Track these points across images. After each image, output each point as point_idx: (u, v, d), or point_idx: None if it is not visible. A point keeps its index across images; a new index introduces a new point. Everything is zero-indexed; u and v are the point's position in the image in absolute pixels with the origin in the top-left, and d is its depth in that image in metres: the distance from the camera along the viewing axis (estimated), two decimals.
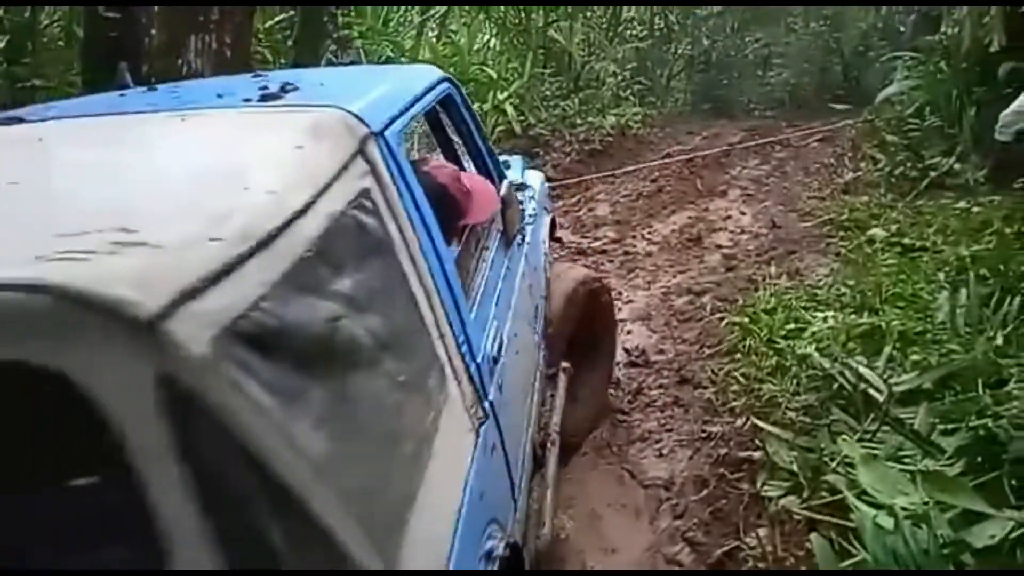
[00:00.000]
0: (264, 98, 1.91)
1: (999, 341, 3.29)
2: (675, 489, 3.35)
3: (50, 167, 1.57)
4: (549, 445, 2.80)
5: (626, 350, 4.51)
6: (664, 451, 3.63)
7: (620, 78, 11.52)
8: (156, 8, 4.86)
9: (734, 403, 3.70)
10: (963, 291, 3.80)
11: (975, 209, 5.33)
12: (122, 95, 2.30)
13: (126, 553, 1.01)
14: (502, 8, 10.71)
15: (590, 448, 3.71)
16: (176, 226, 1.11)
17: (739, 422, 3.56)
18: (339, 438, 1.23)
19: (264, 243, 1.16)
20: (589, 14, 11.83)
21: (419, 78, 2.45)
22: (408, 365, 1.58)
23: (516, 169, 3.78)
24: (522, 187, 3.47)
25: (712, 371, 4.12)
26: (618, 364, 4.33)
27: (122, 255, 1.01)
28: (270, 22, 8.18)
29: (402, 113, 2.01)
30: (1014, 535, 2.23)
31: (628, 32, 13.03)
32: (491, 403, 2.01)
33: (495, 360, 2.16)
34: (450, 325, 1.83)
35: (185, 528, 0.97)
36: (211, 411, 1.00)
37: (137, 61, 4.94)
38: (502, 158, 3.53)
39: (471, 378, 1.90)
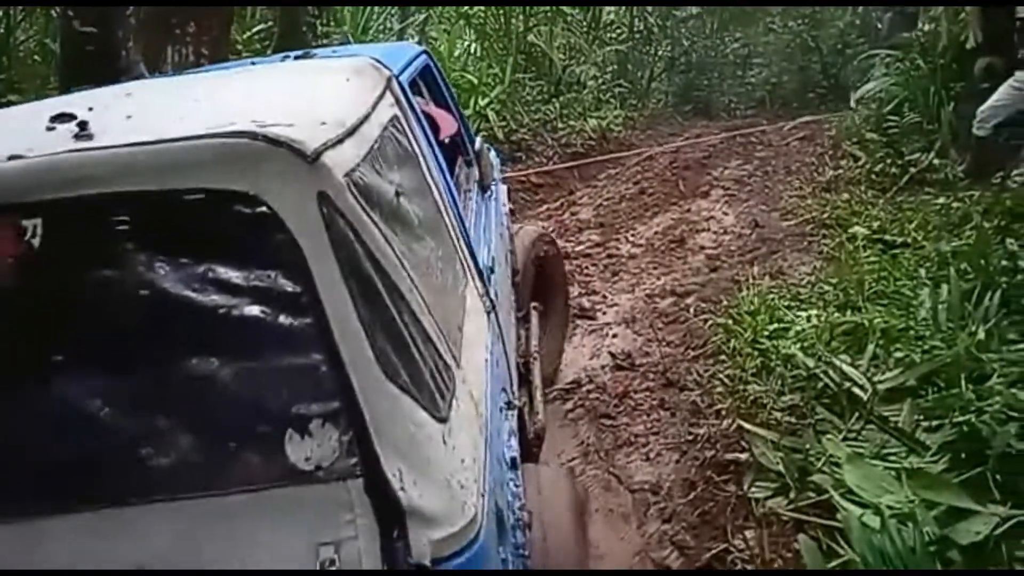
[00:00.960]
0: (297, 58, 2.53)
1: (981, 336, 3.31)
2: (662, 493, 3.34)
3: (178, 100, 2.01)
4: (532, 360, 3.36)
5: (611, 353, 4.51)
6: (651, 455, 3.62)
7: (601, 81, 11.56)
8: (132, 21, 4.83)
9: (720, 405, 3.71)
10: (944, 287, 3.83)
11: (955, 204, 5.36)
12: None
13: (300, 326, 1.37)
14: (482, 13, 10.72)
15: (577, 453, 3.71)
16: (291, 119, 1.46)
17: (725, 424, 3.56)
18: (417, 267, 1.66)
19: (351, 131, 1.59)
20: (569, 18, 11.86)
21: (405, 48, 3.04)
22: (439, 244, 2.01)
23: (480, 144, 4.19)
24: (489, 150, 3.88)
25: (697, 373, 4.12)
26: (604, 368, 4.34)
27: (270, 129, 1.38)
28: (248, 33, 8.15)
29: (406, 67, 2.52)
30: (999, 531, 2.24)
31: (608, 35, 13.07)
32: (494, 304, 2.43)
33: (491, 270, 2.64)
34: (461, 229, 2.29)
35: (342, 304, 1.36)
36: (347, 219, 1.41)
37: (114, 75, 4.90)
38: None
39: (480, 273, 2.37)
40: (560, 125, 9.66)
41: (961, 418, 2.77)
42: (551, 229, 6.76)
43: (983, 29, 6.11)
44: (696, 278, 5.50)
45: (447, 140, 2.89)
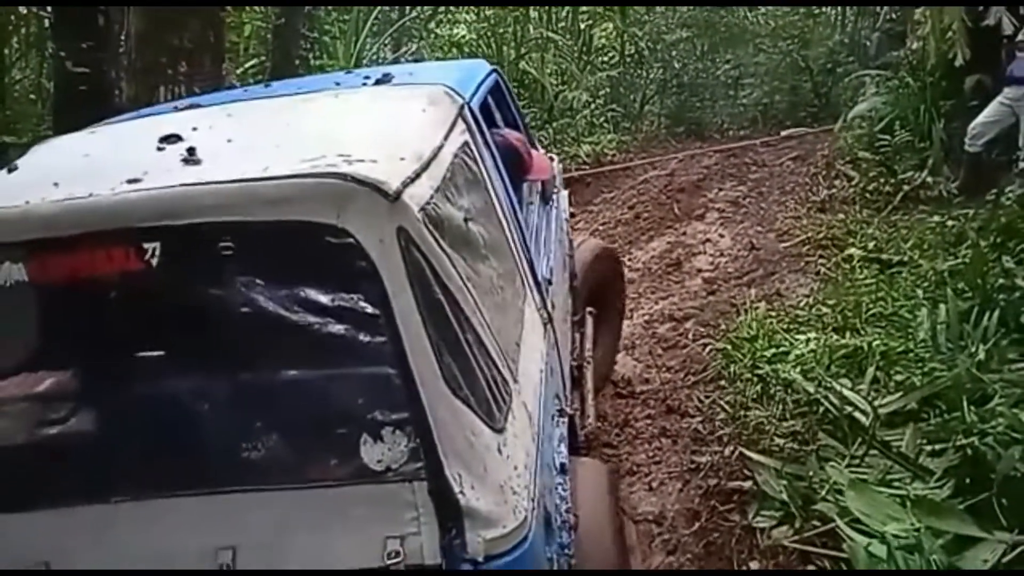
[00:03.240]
0: (377, 82, 2.63)
1: (981, 356, 3.31)
2: (667, 523, 3.31)
3: (272, 124, 2.21)
4: (585, 365, 3.46)
5: (612, 381, 4.49)
6: (654, 484, 3.59)
7: (594, 106, 11.61)
8: (125, 62, 4.86)
9: (721, 432, 3.69)
10: (942, 307, 3.82)
11: (949, 222, 5.37)
12: (246, 88, 3.10)
13: (377, 344, 1.54)
14: (474, 41, 10.81)
15: None
16: (374, 152, 1.65)
17: (727, 451, 3.54)
18: (480, 288, 1.83)
19: (426, 165, 1.76)
20: (560, 43, 11.95)
21: (477, 67, 3.13)
22: (501, 263, 2.16)
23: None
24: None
25: (698, 399, 4.10)
26: (603, 396, 4.31)
27: (356, 165, 1.57)
28: (241, 69, 8.20)
29: (477, 90, 2.66)
30: (1007, 558, 2.22)
31: (600, 59, 13.16)
32: (551, 316, 2.59)
33: (549, 282, 2.76)
34: (522, 246, 2.45)
35: (413, 325, 1.53)
36: (421, 250, 1.58)
37: (109, 114, 4.90)
38: None
39: (539, 287, 2.52)
40: (554, 151, 9.69)
41: (964, 441, 2.76)
42: None
43: (970, 47, 6.16)
44: (694, 302, 5.49)
45: (531, 177, 3.11)
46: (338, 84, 2.75)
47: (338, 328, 1.56)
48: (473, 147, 2.26)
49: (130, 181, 1.61)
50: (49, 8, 7.15)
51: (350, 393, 1.59)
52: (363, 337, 1.56)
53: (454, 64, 3.84)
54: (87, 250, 1.58)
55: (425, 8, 12.53)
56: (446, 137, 2.02)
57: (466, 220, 1.93)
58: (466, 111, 2.32)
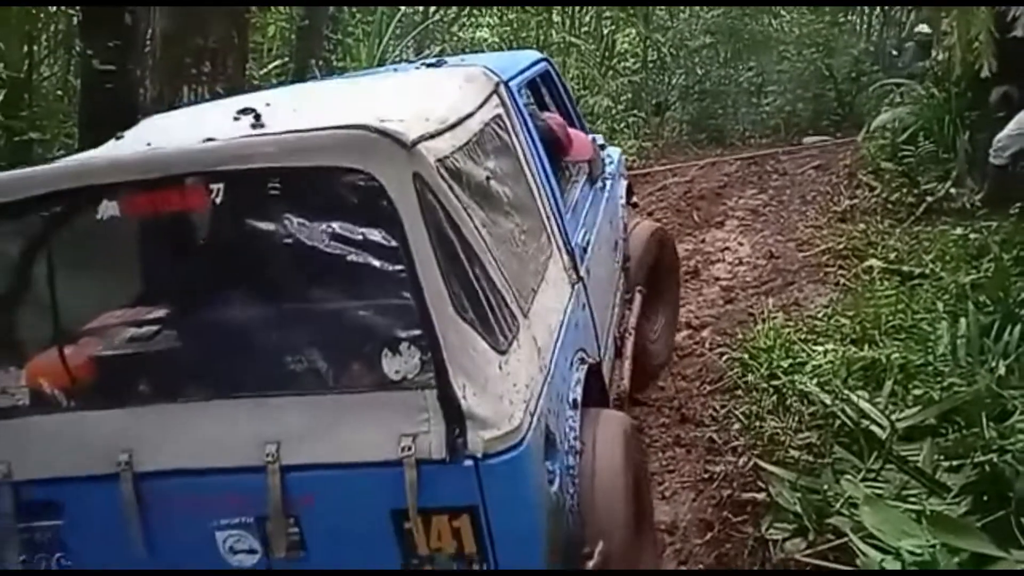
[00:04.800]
0: (430, 66, 3.23)
1: (1001, 372, 3.26)
2: (679, 533, 3.29)
3: (333, 98, 2.83)
4: (627, 335, 3.77)
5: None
6: (667, 493, 3.57)
7: (615, 112, 11.60)
8: (150, 61, 4.91)
9: (736, 442, 3.66)
10: (963, 321, 3.77)
11: (972, 235, 5.31)
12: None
13: (395, 272, 1.85)
14: (496, 46, 10.81)
15: None
16: (405, 116, 2.08)
17: (741, 461, 3.51)
18: (496, 236, 2.19)
19: (450, 127, 2.17)
20: (583, 48, 11.95)
21: (525, 56, 3.63)
22: (526, 221, 2.54)
23: (599, 142, 4.62)
24: (602, 146, 4.39)
25: (713, 409, 4.08)
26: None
27: (386, 124, 1.91)
28: (264, 70, 8.26)
29: (518, 74, 3.10)
30: None
31: (621, 65, 13.15)
32: (581, 278, 2.90)
33: (584, 250, 3.08)
34: (553, 211, 2.80)
35: (426, 257, 1.85)
36: (435, 194, 1.91)
37: (133, 112, 4.96)
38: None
39: (568, 249, 2.86)
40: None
41: (982, 458, 2.71)
42: None
43: (997, 57, 6.08)
44: (711, 310, 5.46)
45: (571, 158, 3.47)
46: (396, 70, 3.49)
47: (364, 258, 1.88)
48: (506, 120, 2.67)
49: (205, 140, 2.02)
50: (77, 6, 7.25)
51: (373, 314, 1.91)
52: (385, 266, 1.87)
53: (505, 54, 4.66)
54: (165, 190, 1.95)
55: (448, 11, 12.58)
56: (477, 109, 2.46)
57: (488, 179, 2.30)
58: (501, 89, 2.73)
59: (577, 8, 12.92)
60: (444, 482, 1.88)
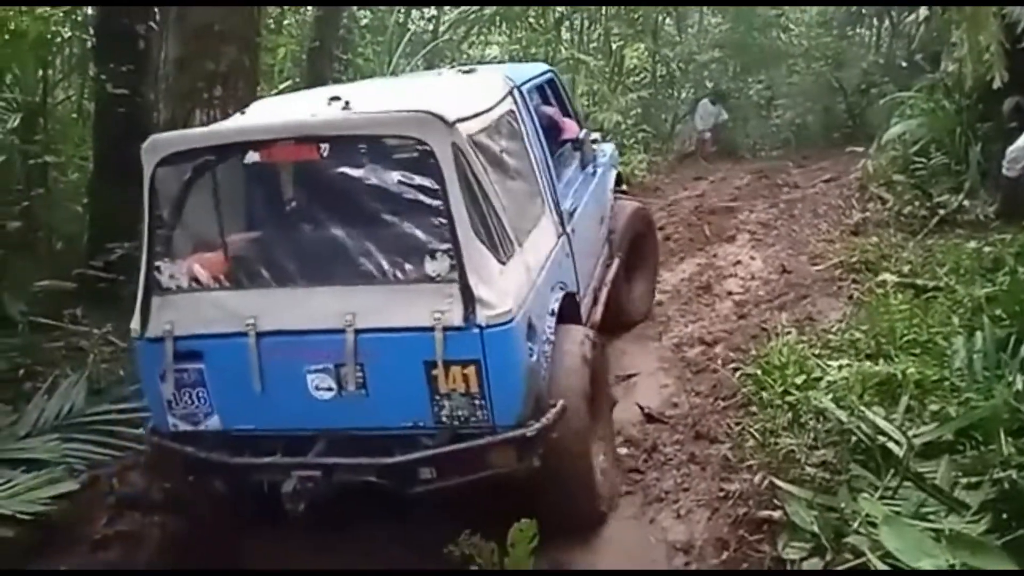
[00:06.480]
0: (464, 72, 4.41)
1: (1019, 386, 3.22)
2: (695, 552, 3.26)
3: (401, 91, 4.11)
4: (602, 287, 4.76)
5: (639, 406, 4.44)
6: (682, 512, 3.54)
7: (624, 127, 11.61)
8: (163, 86, 4.96)
9: (751, 459, 3.63)
10: (979, 335, 3.73)
11: (986, 248, 5.27)
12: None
13: (437, 207, 2.85)
14: (506, 61, 10.85)
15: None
16: (448, 105, 3.02)
17: (757, 479, 3.48)
18: (504, 190, 3.19)
19: (477, 114, 3.25)
20: (592, 64, 11.98)
21: (535, 67, 4.87)
22: (527, 184, 3.66)
23: (592, 137, 5.45)
24: (595, 141, 5.36)
25: (728, 425, 4.05)
26: (631, 421, 4.29)
27: (436, 108, 2.92)
28: (276, 91, 8.32)
29: (529, 80, 4.21)
30: None
31: (631, 80, 13.18)
32: (567, 233, 3.93)
33: (571, 214, 4.11)
34: (547, 180, 3.88)
35: (457, 199, 2.85)
36: (466, 158, 2.92)
37: (145, 135, 4.98)
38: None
39: (557, 210, 3.91)
40: None
41: (1001, 474, 2.68)
42: None
43: (1009, 69, 6.06)
44: (724, 325, 5.44)
45: (566, 137, 4.64)
46: (440, 74, 5.20)
47: (417, 196, 2.86)
48: (516, 113, 3.75)
49: (312, 115, 3.20)
50: (91, 31, 7.33)
51: (421, 233, 2.88)
52: (430, 202, 2.86)
53: (521, 64, 6.12)
54: (291, 145, 2.99)
55: (458, 29, 12.66)
56: (497, 103, 3.56)
57: (501, 152, 3.37)
58: (515, 91, 3.83)
59: (586, 24, 12.98)
60: (460, 342, 2.83)
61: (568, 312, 3.61)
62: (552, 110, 4.64)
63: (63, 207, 7.41)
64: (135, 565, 3.52)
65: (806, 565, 2.79)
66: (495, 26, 12.57)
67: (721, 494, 3.55)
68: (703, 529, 3.40)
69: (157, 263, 3.08)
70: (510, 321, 2.87)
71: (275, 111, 3.70)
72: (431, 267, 2.85)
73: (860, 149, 8.89)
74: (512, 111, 3.68)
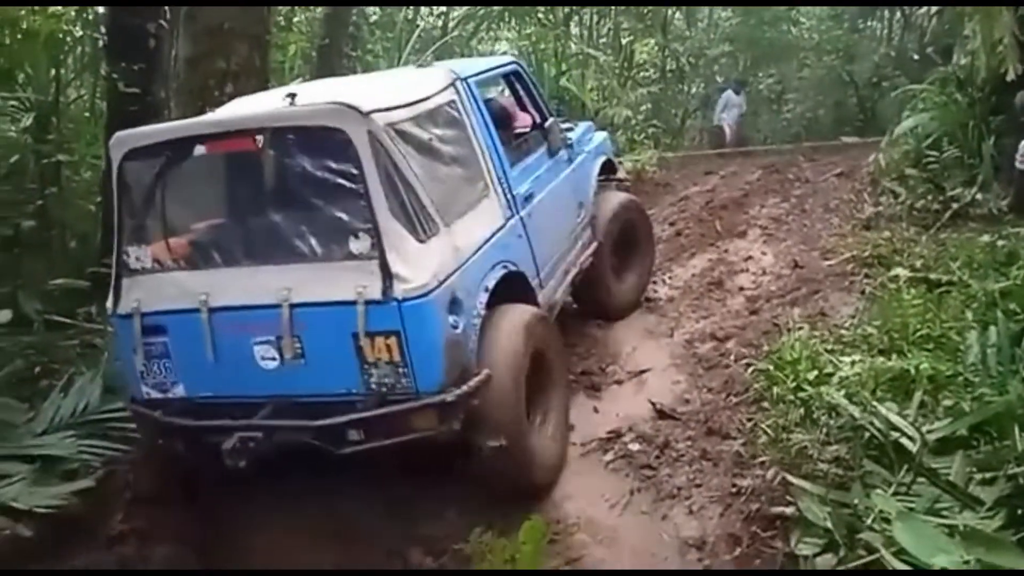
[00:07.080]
0: (420, 65, 4.77)
1: None
2: (707, 548, 3.27)
3: (346, 87, 4.13)
4: (571, 269, 4.86)
5: (651, 402, 4.44)
6: (694, 508, 3.55)
7: (634, 122, 11.59)
8: (174, 84, 4.99)
9: (763, 455, 3.62)
10: (993, 329, 3.72)
11: (1000, 242, 5.24)
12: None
13: (358, 192, 3.13)
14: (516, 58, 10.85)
15: (619, 505, 3.65)
16: (375, 97, 3.39)
17: (769, 475, 3.48)
18: (431, 175, 3.47)
19: (409, 104, 3.53)
20: (602, 60, 11.96)
21: (495, 60, 5.07)
22: (466, 170, 3.85)
23: (580, 129, 5.65)
24: (570, 130, 5.39)
25: (739, 421, 4.05)
26: (644, 417, 4.29)
27: (358, 100, 3.21)
28: None
29: (479, 73, 4.38)
30: None
31: (641, 75, 13.15)
32: (520, 217, 4.14)
33: (527, 199, 4.27)
34: (494, 166, 4.04)
35: (374, 182, 3.14)
36: (383, 146, 3.19)
37: None
38: (576, 124, 5.83)
39: (505, 193, 4.07)
40: None
41: (1016, 470, 2.67)
42: None
43: (1022, 61, 6.02)
44: (736, 321, 5.42)
45: (519, 126, 4.85)
46: (396, 72, 5.63)
47: (340, 181, 3.14)
48: (459, 103, 3.93)
49: (259, 111, 3.59)
50: (103, 31, 7.37)
51: (346, 216, 3.16)
52: (352, 187, 3.13)
53: (482, 59, 6.16)
54: (231, 138, 3.31)
55: (467, 25, 12.66)
56: (432, 95, 3.74)
57: (432, 139, 3.57)
58: (457, 83, 3.99)
59: (595, 20, 12.95)
60: (381, 315, 3.12)
61: (515, 290, 3.87)
62: (507, 101, 4.91)
63: (76, 206, 7.45)
64: (151, 559, 3.55)
65: (819, 561, 2.80)
66: (504, 22, 12.56)
67: (733, 490, 3.56)
68: (715, 525, 3.41)
69: (126, 247, 3.43)
70: (426, 296, 3.15)
71: (238, 108, 4.01)
72: (355, 246, 3.13)
73: (856, 141, 8.83)
74: (453, 101, 3.88)
